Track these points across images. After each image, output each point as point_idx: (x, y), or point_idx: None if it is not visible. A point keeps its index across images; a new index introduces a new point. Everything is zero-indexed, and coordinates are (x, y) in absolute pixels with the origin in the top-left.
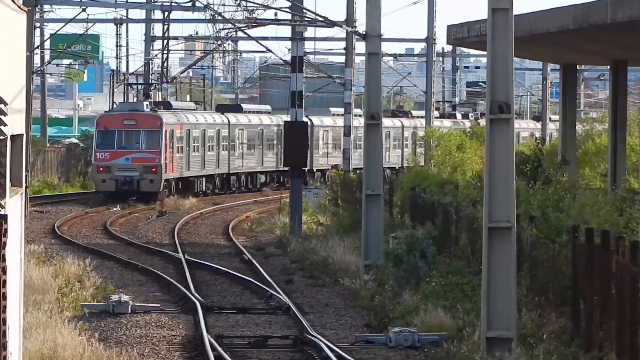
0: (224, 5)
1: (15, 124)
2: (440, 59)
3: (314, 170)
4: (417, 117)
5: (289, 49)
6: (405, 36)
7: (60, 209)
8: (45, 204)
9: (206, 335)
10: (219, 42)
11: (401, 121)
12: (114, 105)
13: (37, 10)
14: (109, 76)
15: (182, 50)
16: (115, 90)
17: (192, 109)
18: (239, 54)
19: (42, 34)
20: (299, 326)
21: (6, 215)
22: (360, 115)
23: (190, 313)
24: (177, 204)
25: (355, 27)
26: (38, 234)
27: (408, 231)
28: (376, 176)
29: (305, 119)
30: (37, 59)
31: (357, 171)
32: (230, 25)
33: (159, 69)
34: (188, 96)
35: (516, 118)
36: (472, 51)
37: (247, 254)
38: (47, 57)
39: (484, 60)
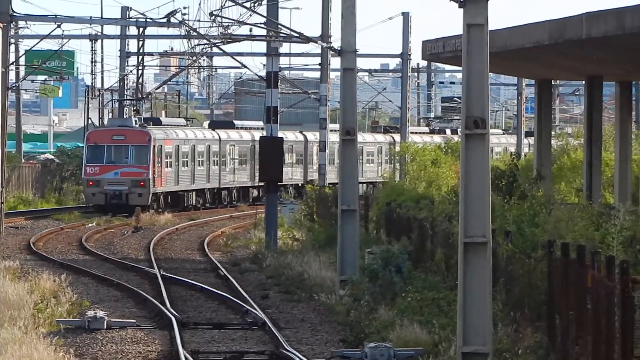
0: (199, 21)
1: None
2: (415, 74)
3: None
4: (411, 132)
5: (264, 65)
6: (380, 52)
7: (36, 225)
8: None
9: (182, 350)
10: (194, 57)
11: (392, 137)
12: (89, 121)
13: (12, 26)
14: (84, 92)
15: (157, 66)
16: (90, 106)
17: (182, 125)
18: (214, 70)
19: (17, 50)
20: (275, 341)
21: None
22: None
23: (166, 328)
24: (153, 219)
25: (331, 42)
26: (13, 250)
27: (384, 246)
28: (352, 191)
29: (299, 135)
30: (12, 75)
31: (333, 186)
32: (205, 41)
33: (134, 84)
34: (163, 112)
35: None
36: (447, 66)
37: (223, 269)
38: (22, 73)
39: (459, 75)
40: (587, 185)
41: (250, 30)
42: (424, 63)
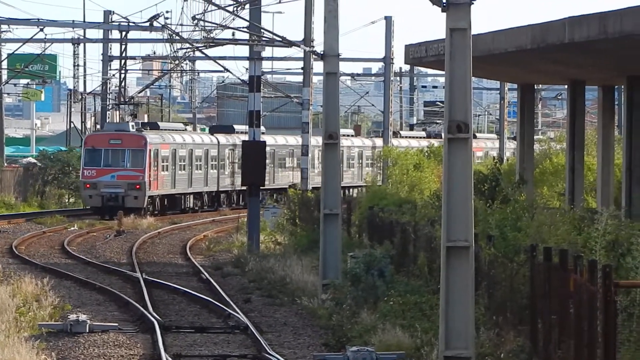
0: (181, 25)
1: None
2: (398, 78)
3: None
4: (407, 137)
5: (247, 69)
6: (363, 56)
7: (18, 229)
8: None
9: (164, 354)
10: (177, 61)
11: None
12: (71, 125)
13: None
14: (66, 96)
15: (139, 70)
16: (72, 109)
17: (180, 130)
18: (196, 74)
19: None
20: (257, 345)
21: None
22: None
23: (148, 332)
24: (135, 223)
25: (313, 46)
26: None
27: (366, 250)
28: (334, 195)
29: (301, 139)
30: None
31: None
32: (188, 45)
33: (117, 88)
34: (146, 116)
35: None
36: (430, 71)
37: (205, 273)
38: (4, 77)
39: (442, 79)
40: (570, 190)
41: (233, 34)
42: (406, 67)
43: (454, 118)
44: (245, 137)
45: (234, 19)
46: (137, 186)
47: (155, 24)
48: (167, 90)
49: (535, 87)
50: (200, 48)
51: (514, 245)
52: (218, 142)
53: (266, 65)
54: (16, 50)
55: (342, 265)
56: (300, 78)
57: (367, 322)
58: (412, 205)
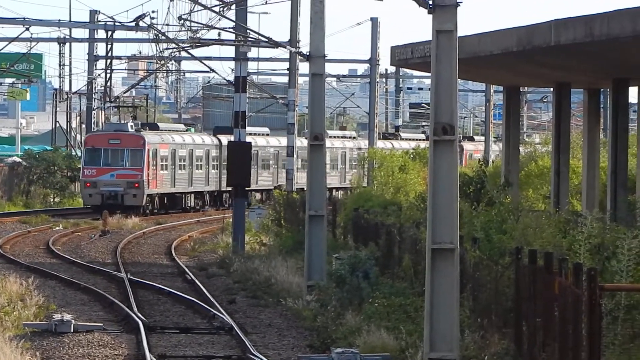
0: (167, 25)
1: None
2: (384, 80)
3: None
4: (407, 139)
5: (233, 69)
6: (348, 57)
7: (3, 228)
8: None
9: (149, 354)
10: (162, 61)
11: (392, 143)
12: (57, 125)
13: None
14: (52, 95)
15: (125, 69)
16: (58, 109)
17: (180, 130)
18: (182, 74)
19: None
20: (242, 346)
21: None
22: (353, 137)
23: (132, 332)
24: (120, 223)
25: (299, 47)
26: None
27: (351, 252)
28: (319, 197)
29: (306, 141)
30: None
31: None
32: (173, 45)
33: (102, 88)
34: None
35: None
36: (416, 72)
37: (190, 273)
38: None
39: (427, 81)
40: (555, 193)
41: (219, 34)
42: (392, 69)
43: (440, 120)
44: (248, 138)
45: (220, 20)
46: (136, 185)
47: (141, 23)
48: (153, 91)
49: (521, 90)
50: (186, 48)
51: (499, 247)
52: (220, 142)
53: (252, 66)
54: (2, 49)
55: (327, 266)
56: (285, 79)
57: (352, 324)
58: (398, 207)
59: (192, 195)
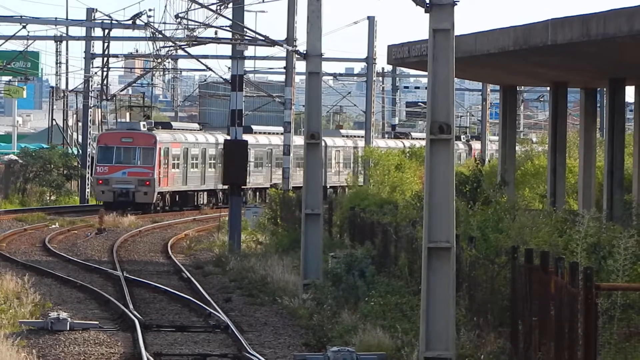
0: (164, 23)
1: None
2: (380, 78)
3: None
4: (417, 138)
5: (229, 68)
6: (345, 56)
7: None
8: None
9: (145, 353)
10: (159, 60)
11: (402, 142)
12: (53, 123)
13: None
14: (48, 93)
15: (122, 67)
16: (54, 107)
17: (193, 130)
18: (178, 72)
19: None
20: (238, 345)
21: None
22: (357, 136)
23: (128, 331)
24: (116, 221)
25: (296, 46)
26: None
27: (347, 251)
28: (316, 195)
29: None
30: None
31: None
32: (170, 43)
33: (99, 86)
34: (128, 114)
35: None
36: (412, 71)
37: (186, 272)
38: None
39: (424, 80)
40: (551, 192)
41: (216, 33)
42: (389, 67)
43: (437, 119)
44: (262, 137)
45: (217, 18)
46: (147, 182)
47: (138, 22)
48: (150, 89)
49: (518, 89)
50: (182, 46)
51: (495, 246)
52: None
53: (249, 64)
54: None
55: (323, 265)
56: (282, 77)
57: (348, 322)
58: (394, 206)
59: (205, 193)
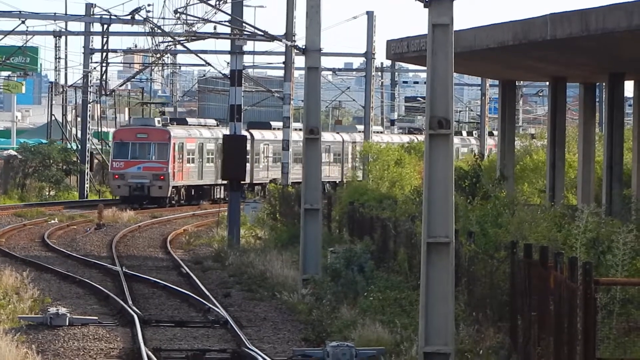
0: (163, 18)
1: None
2: (379, 73)
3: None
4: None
5: (228, 63)
6: (344, 50)
7: None
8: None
9: (144, 348)
10: (158, 55)
11: (416, 138)
12: (52, 118)
13: None
14: (47, 88)
15: (121, 62)
16: (53, 102)
17: (210, 125)
18: (177, 67)
19: None
20: (237, 340)
21: None
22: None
23: (128, 326)
24: (115, 216)
25: (295, 41)
26: None
27: (346, 246)
28: (315, 190)
29: (337, 135)
30: None
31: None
32: (169, 39)
33: (98, 81)
34: (127, 109)
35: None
36: (411, 66)
37: (185, 267)
38: None
39: (423, 75)
40: (550, 186)
41: (215, 28)
42: (387, 62)
43: (435, 114)
44: (280, 133)
45: (216, 13)
46: (162, 177)
47: (137, 17)
48: (148, 84)
49: (517, 84)
50: (181, 42)
51: (495, 241)
52: (252, 137)
53: (247, 59)
54: None
55: (322, 260)
56: (281, 72)
57: (347, 318)
58: (393, 201)
59: (221, 187)
